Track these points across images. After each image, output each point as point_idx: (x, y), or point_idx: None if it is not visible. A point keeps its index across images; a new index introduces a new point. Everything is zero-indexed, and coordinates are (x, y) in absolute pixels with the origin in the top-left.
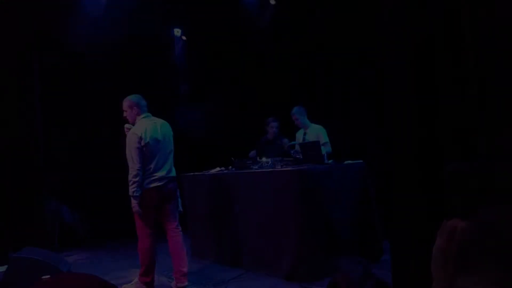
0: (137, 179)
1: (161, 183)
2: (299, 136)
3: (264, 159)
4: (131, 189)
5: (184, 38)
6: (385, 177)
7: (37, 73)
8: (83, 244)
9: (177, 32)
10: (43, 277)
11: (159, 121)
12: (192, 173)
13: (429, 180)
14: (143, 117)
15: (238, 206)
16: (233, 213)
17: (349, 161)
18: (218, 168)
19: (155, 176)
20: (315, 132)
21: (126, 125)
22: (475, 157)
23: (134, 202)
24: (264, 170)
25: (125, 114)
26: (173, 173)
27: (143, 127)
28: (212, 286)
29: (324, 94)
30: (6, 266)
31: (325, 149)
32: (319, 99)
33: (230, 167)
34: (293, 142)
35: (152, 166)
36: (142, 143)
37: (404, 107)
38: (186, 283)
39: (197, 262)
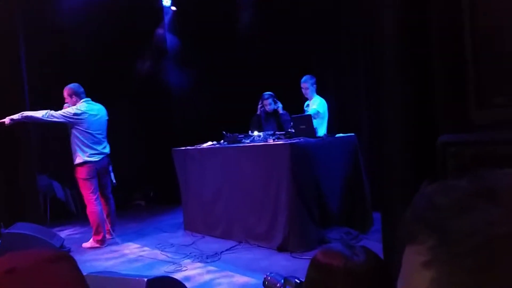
0: (51, 118)
1: (99, 158)
2: (306, 107)
3: (256, 133)
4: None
5: (173, 8)
6: (379, 150)
7: (23, 49)
8: (74, 219)
9: (166, 2)
10: None
11: (97, 105)
12: (183, 148)
13: (421, 152)
14: (83, 101)
15: (230, 179)
16: (225, 186)
17: (341, 134)
18: (210, 142)
19: (94, 151)
20: (316, 103)
21: (66, 105)
22: (469, 129)
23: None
24: (255, 144)
25: (66, 101)
26: (108, 149)
27: (82, 106)
28: (205, 258)
29: (317, 67)
30: None
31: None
32: (312, 73)
33: (222, 141)
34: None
35: (89, 141)
36: (76, 116)
37: (396, 79)
38: (113, 237)
39: (189, 235)
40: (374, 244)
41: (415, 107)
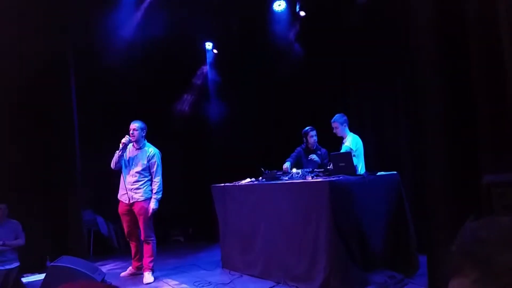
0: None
1: None
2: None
3: (294, 170)
4: (160, 194)
5: (215, 51)
6: (422, 189)
7: (74, 89)
8: (116, 254)
9: (209, 45)
10: None
11: None
12: (222, 184)
13: (466, 192)
14: (147, 141)
15: (268, 217)
16: (263, 224)
17: (383, 172)
18: (248, 179)
19: None
20: (348, 141)
21: (126, 138)
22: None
23: (157, 205)
24: (294, 181)
25: (135, 132)
26: None
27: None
28: None
29: (357, 104)
30: (44, 274)
31: None
32: (352, 109)
33: (261, 178)
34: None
35: None
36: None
37: (440, 118)
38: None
39: (227, 273)
40: None
41: (461, 149)
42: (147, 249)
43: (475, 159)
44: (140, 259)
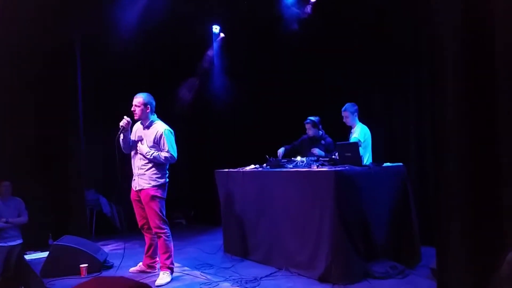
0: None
1: None
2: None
3: (299, 158)
4: (161, 158)
5: (222, 35)
6: (428, 181)
7: (80, 71)
8: (118, 235)
9: (216, 28)
10: (81, 265)
11: None
12: (226, 170)
13: (480, 187)
14: (156, 117)
15: (271, 204)
16: (267, 211)
17: (388, 164)
18: (252, 166)
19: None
20: (357, 132)
21: (127, 118)
22: None
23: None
24: (299, 169)
25: (136, 109)
26: None
27: (166, 127)
28: (244, 283)
29: (364, 94)
30: (46, 252)
31: None
32: (360, 99)
33: (265, 165)
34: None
35: None
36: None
37: (458, 107)
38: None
39: (229, 257)
40: (422, 280)
41: (476, 136)
42: (160, 244)
43: (493, 154)
44: (153, 255)
